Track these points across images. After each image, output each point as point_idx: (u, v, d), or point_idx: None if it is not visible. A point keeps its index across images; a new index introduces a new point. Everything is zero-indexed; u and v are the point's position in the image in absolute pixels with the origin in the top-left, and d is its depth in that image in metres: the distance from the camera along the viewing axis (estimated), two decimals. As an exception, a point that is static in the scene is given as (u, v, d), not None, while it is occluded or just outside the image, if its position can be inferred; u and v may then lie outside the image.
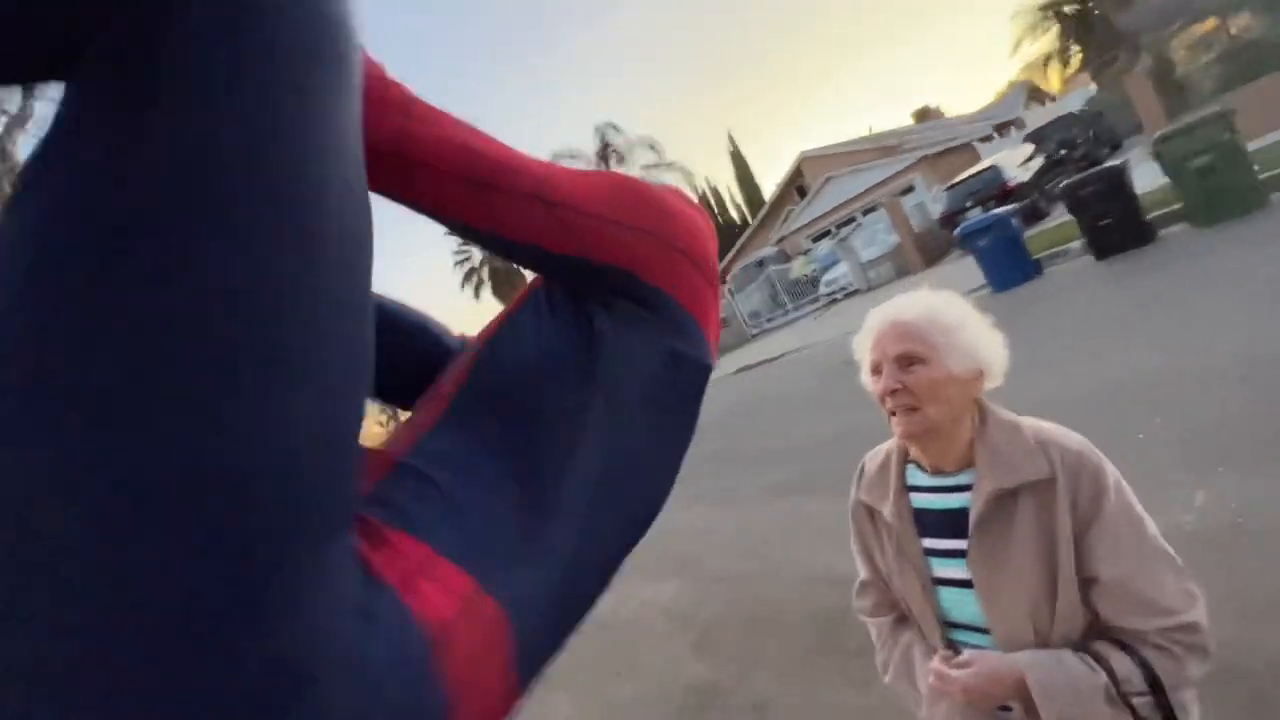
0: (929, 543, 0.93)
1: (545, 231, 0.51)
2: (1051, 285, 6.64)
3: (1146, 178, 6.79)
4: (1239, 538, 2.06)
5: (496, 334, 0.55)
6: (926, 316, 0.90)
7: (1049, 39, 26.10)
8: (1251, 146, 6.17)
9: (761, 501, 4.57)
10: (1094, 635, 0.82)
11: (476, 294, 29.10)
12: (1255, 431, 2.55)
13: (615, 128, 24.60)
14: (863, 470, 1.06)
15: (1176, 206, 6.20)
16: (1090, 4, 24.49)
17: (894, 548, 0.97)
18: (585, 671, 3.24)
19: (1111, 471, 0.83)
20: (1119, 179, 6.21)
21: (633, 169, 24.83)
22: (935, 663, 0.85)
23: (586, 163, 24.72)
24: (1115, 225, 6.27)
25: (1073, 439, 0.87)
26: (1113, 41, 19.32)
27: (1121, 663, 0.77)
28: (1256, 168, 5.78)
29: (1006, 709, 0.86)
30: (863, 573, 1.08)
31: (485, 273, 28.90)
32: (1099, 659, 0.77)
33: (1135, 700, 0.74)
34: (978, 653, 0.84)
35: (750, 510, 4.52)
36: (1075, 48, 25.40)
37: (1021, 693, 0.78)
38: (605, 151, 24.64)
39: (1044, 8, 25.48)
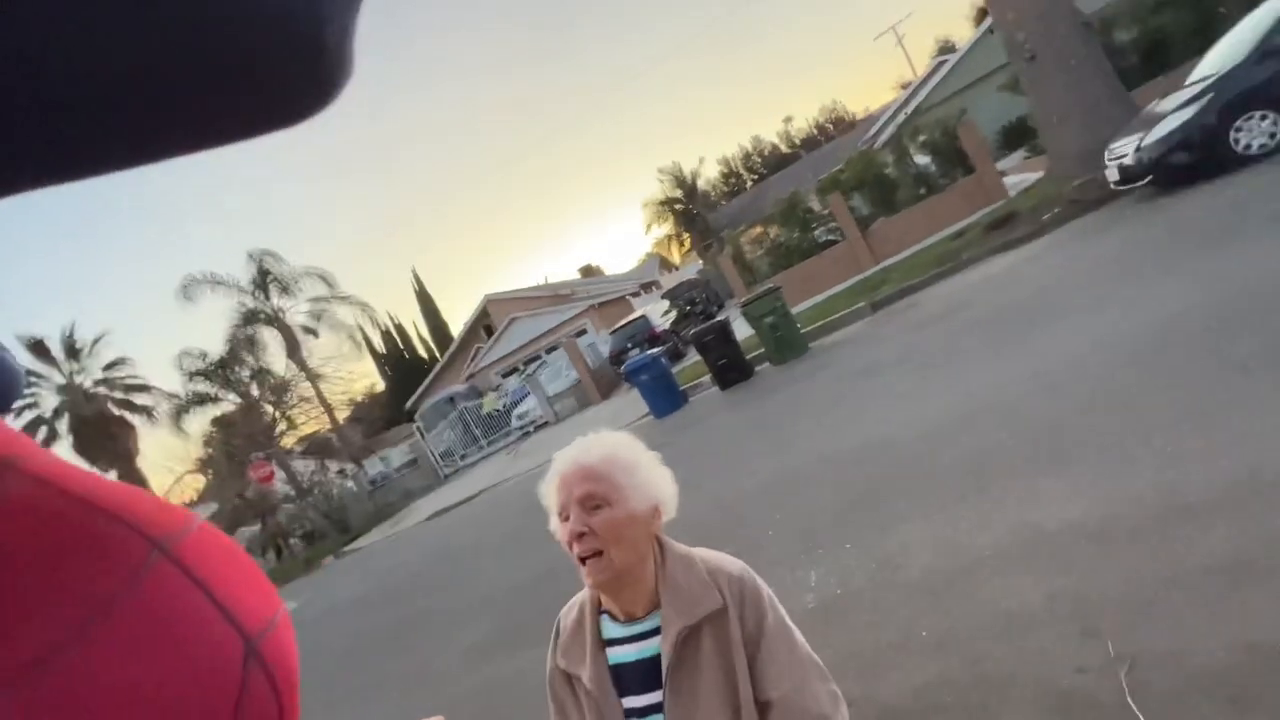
0: (629, 703, 0.92)
1: None
2: (695, 411, 8.16)
3: (743, 329, 9.22)
4: (841, 605, 2.63)
5: None
6: (608, 459, 0.94)
7: (668, 225, 35.27)
8: (796, 309, 9.05)
9: (464, 670, 4.03)
10: None
11: (49, 443, 20.76)
12: (832, 518, 3.41)
13: (275, 255, 21.86)
14: (558, 631, 1.02)
15: (761, 350, 8.51)
16: (691, 206, 34.01)
17: (594, 712, 0.93)
18: None
19: (765, 590, 0.96)
20: (725, 330, 8.26)
21: (298, 300, 22.20)
22: None
23: (238, 292, 21.19)
24: (729, 364, 8.24)
25: (734, 565, 0.97)
26: (708, 232, 26.76)
27: None
28: (800, 325, 8.42)
29: None
30: None
31: (64, 423, 21.08)
32: None
33: None
34: None
35: (453, 683, 3.92)
36: (685, 234, 34.90)
37: None
38: (264, 280, 21.58)
39: (662, 204, 34.37)
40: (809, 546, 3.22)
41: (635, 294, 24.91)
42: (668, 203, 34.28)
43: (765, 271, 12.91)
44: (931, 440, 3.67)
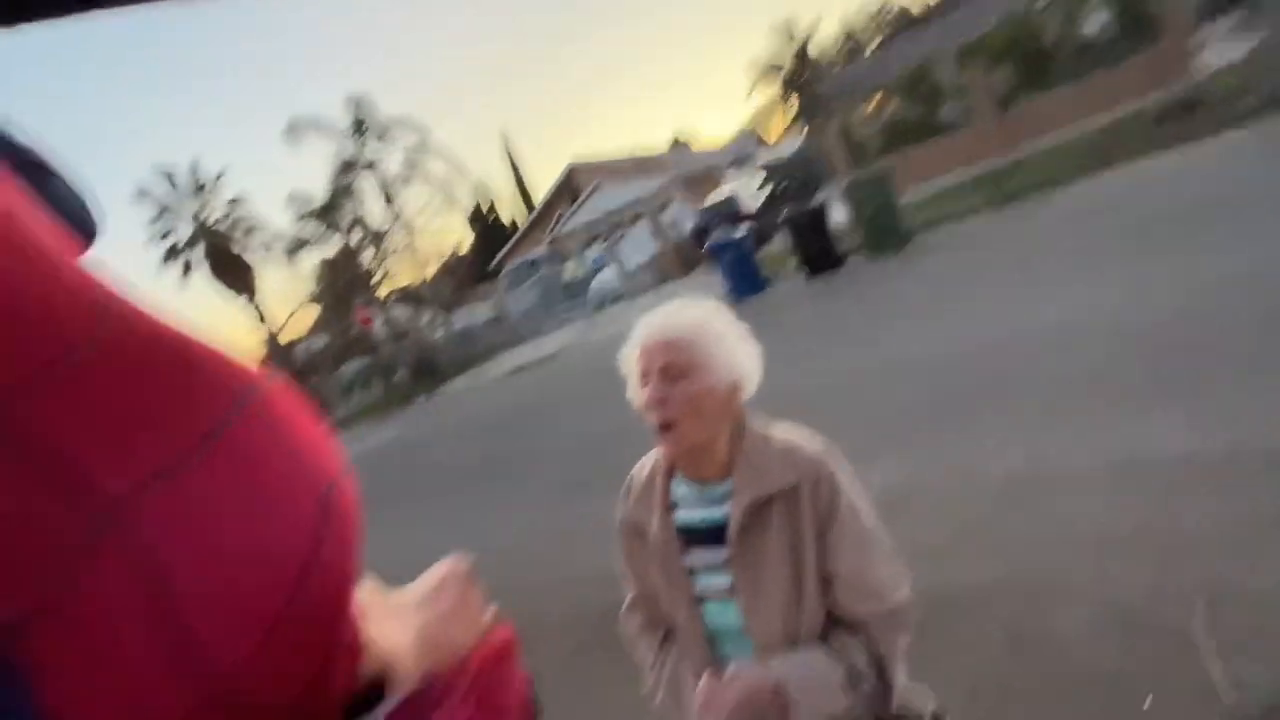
0: (693, 558, 0.97)
1: None
2: (775, 298, 7.94)
3: (839, 215, 8.59)
4: (905, 501, 2.66)
5: None
6: (692, 328, 0.92)
7: (773, 91, 31.89)
8: (905, 198, 8.27)
9: (535, 506, 4.51)
10: (830, 625, 0.93)
11: (186, 272, 23.41)
12: (914, 416, 3.34)
13: (371, 103, 22.05)
14: (630, 487, 1.06)
15: (857, 240, 7.95)
16: (801, 72, 30.45)
17: (660, 565, 0.98)
18: None
19: (844, 474, 0.95)
20: (821, 215, 7.72)
21: (393, 150, 22.56)
22: (702, 683, 0.87)
23: (338, 137, 21.74)
24: (820, 252, 7.80)
25: (813, 446, 0.96)
26: (815, 105, 24.15)
27: (856, 651, 0.88)
28: (904, 216, 7.73)
29: None
30: (631, 590, 1.08)
31: (199, 253, 23.45)
32: (839, 651, 0.87)
33: (864, 685, 0.86)
34: (737, 668, 0.89)
35: (524, 515, 4.42)
36: (790, 103, 31.54)
37: (779, 697, 0.84)
38: (361, 127, 21.96)
39: (769, 67, 30.92)
40: (881, 443, 3.21)
41: (726, 170, 23.46)
42: (775, 67, 30.86)
43: (876, 152, 11.69)
44: (1039, 352, 3.41)
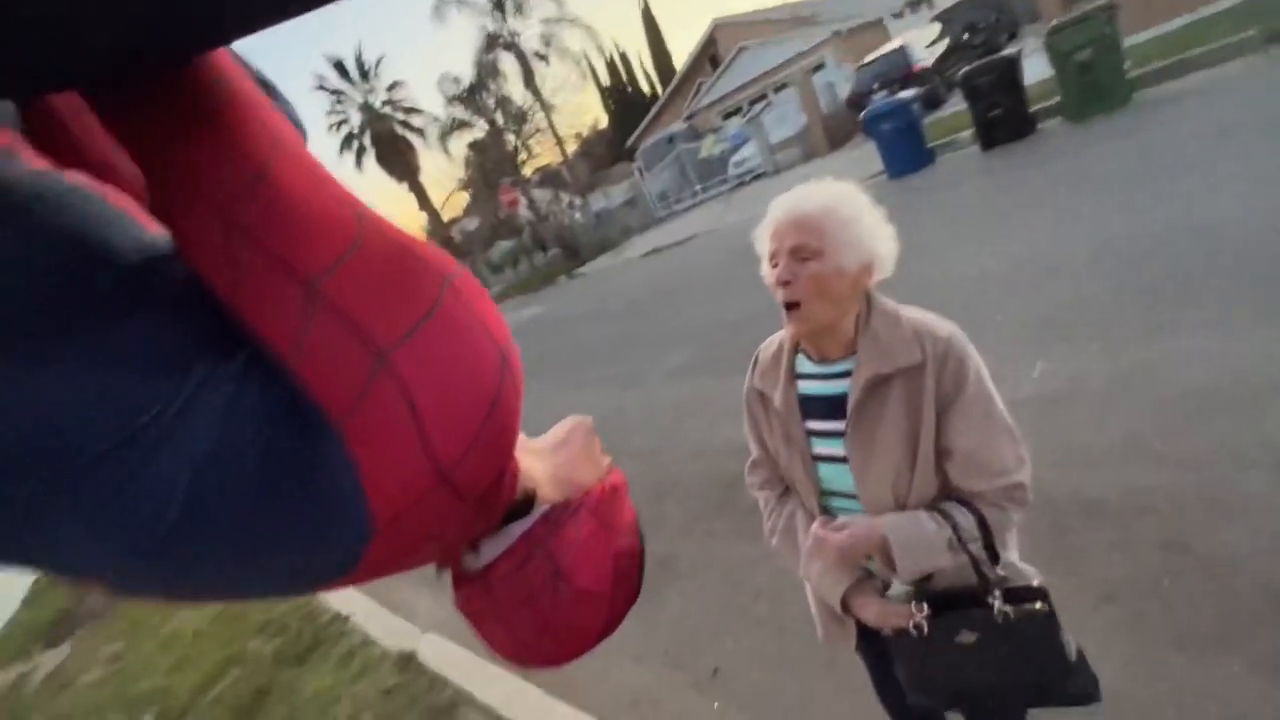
0: (812, 425, 1.04)
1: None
2: (942, 174, 7.00)
3: (1035, 69, 7.08)
4: (1065, 401, 2.46)
5: None
6: (824, 210, 0.92)
7: None
8: (1128, 42, 6.55)
9: (667, 382, 4.79)
10: (942, 496, 0.97)
11: (359, 163, 25.97)
12: (1086, 311, 2.96)
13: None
14: (756, 360, 1.13)
15: (1057, 99, 6.57)
16: None
17: (781, 430, 1.07)
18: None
19: (973, 357, 0.94)
20: (1011, 70, 6.41)
21: (531, 20, 22.08)
22: (814, 527, 0.97)
23: (479, 11, 21.63)
24: (1003, 117, 6.58)
25: (944, 328, 0.95)
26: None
27: (963, 517, 0.93)
28: (1127, 65, 6.18)
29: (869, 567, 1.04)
30: (754, 452, 1.19)
31: (367, 139, 25.65)
32: (946, 515, 0.93)
33: (970, 546, 0.91)
34: (848, 518, 0.97)
35: (657, 391, 4.73)
36: None
37: (883, 550, 0.92)
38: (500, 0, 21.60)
39: None
40: (1043, 338, 2.91)
41: (898, 14, 19.83)
42: None
43: (1100, -20, 9.17)
44: (1267, 241, 2.78)
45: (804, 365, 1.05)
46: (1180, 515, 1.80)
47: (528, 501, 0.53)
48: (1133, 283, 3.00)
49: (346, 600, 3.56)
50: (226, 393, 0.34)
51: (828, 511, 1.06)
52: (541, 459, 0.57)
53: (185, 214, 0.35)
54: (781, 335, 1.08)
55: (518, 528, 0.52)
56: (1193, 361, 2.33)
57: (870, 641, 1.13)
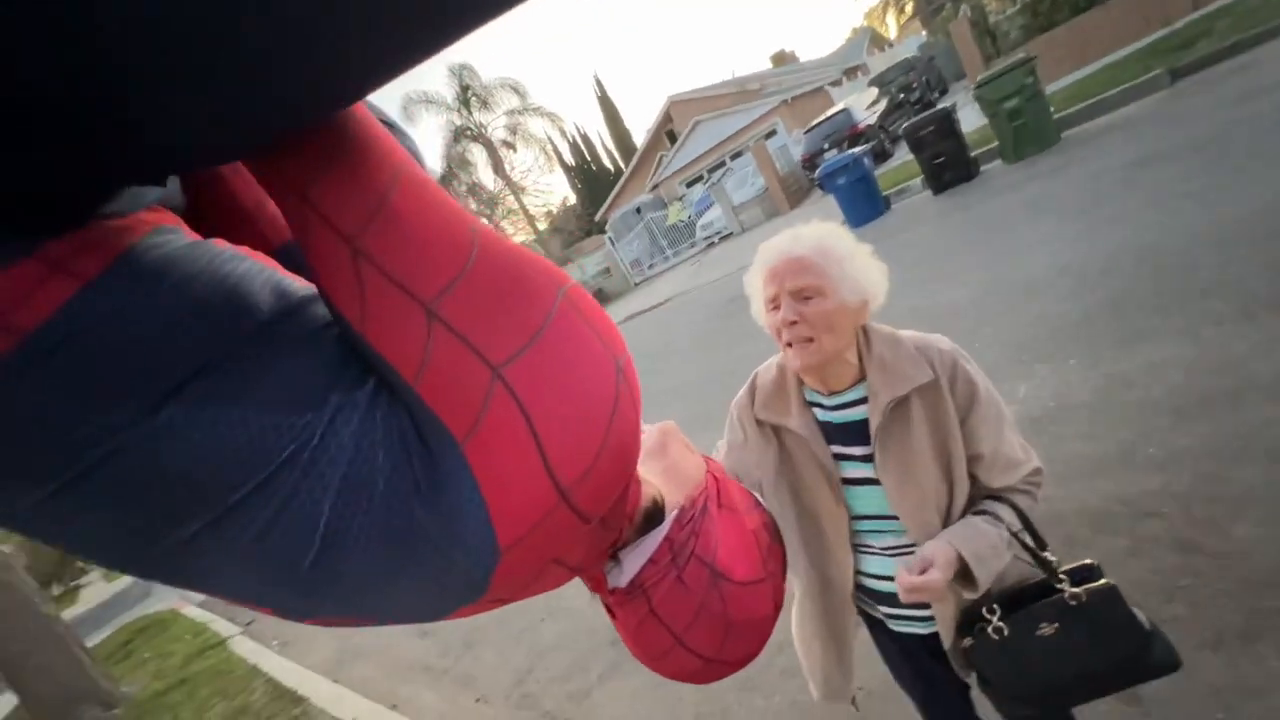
0: (835, 449, 1.03)
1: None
2: (899, 219, 7.38)
3: (969, 119, 7.65)
4: (1052, 418, 2.52)
5: None
6: (820, 250, 0.96)
7: None
8: (1050, 88, 7.16)
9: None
10: (976, 497, 1.00)
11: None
12: (1057, 331, 3.09)
13: (472, 69, 22.87)
14: (755, 385, 1.12)
15: (993, 144, 7.09)
16: (918, -46, 26.71)
17: (804, 456, 1.04)
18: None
19: (973, 363, 1.00)
20: (948, 121, 6.94)
21: (496, 114, 23.36)
22: (903, 577, 0.92)
23: (445, 108, 22.87)
24: (947, 163, 7.07)
25: (943, 342, 1.01)
26: (938, -9, 21.18)
27: (1005, 512, 0.96)
28: (1052, 109, 6.73)
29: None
30: (723, 458, 1.16)
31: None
32: (993, 516, 0.94)
33: (1021, 537, 0.94)
34: (923, 553, 0.93)
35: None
36: None
37: (959, 567, 0.92)
38: (465, 95, 22.92)
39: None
40: (1022, 360, 3.02)
41: (836, 83, 21.48)
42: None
43: (1016, 39, 10.13)
44: (1219, 250, 2.97)
45: (812, 396, 1.05)
46: (1186, 515, 1.83)
47: (658, 509, 0.52)
48: (1096, 301, 3.15)
49: (345, 705, 3.34)
50: (356, 421, 0.35)
51: (856, 538, 1.06)
52: (650, 466, 0.56)
53: (319, 247, 0.36)
54: (779, 361, 1.09)
55: (654, 536, 0.51)
56: (1168, 368, 2.43)
57: (929, 683, 1.11)
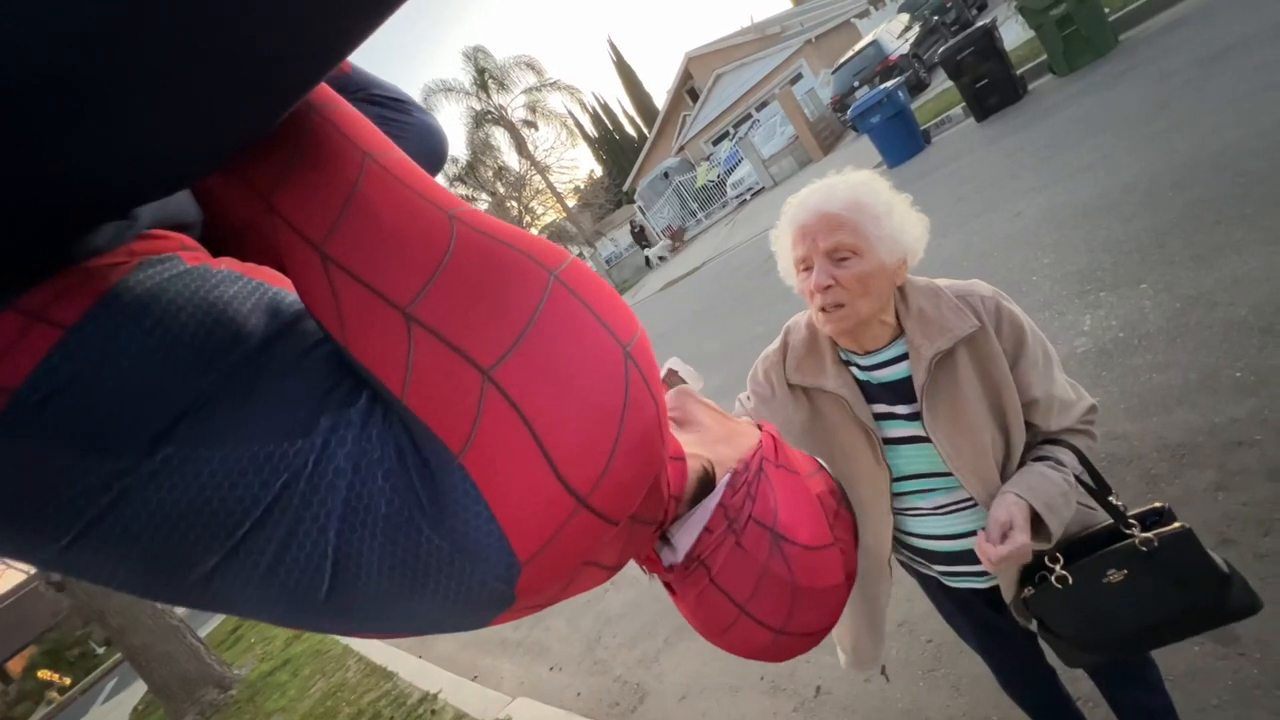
0: (877, 409, 0.97)
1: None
2: (942, 153, 6.96)
3: (1012, 34, 7.07)
4: (1123, 348, 2.36)
5: None
6: (855, 205, 0.87)
7: None
8: (1101, -10, 6.51)
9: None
10: (1031, 443, 0.95)
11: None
12: (1124, 255, 2.86)
13: (485, 52, 22.65)
14: (786, 343, 1.06)
15: (1041, 59, 6.54)
16: None
17: (846, 415, 0.98)
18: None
19: (1016, 306, 0.93)
20: (989, 39, 6.42)
21: (514, 94, 23.19)
22: (984, 548, 0.85)
23: (464, 94, 22.85)
24: (991, 85, 6.56)
25: (984, 288, 0.94)
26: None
27: (1066, 456, 0.91)
28: (1107, 10, 6.13)
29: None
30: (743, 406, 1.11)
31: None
32: (1055, 461, 0.89)
33: (1085, 480, 0.91)
34: (996, 515, 0.87)
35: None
36: None
37: (1029, 519, 0.86)
38: (482, 79, 22.80)
39: None
40: (1085, 289, 2.82)
41: (863, 14, 20.18)
42: None
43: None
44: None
45: (846, 355, 1.00)
46: (1279, 440, 1.69)
47: (709, 479, 0.48)
48: (1169, 217, 2.90)
49: (431, 678, 3.55)
50: (350, 442, 0.33)
51: (898, 500, 1.01)
52: (687, 438, 0.52)
53: (292, 258, 0.34)
54: (806, 318, 1.03)
55: (704, 508, 0.47)
56: (1254, 282, 2.22)
57: (991, 634, 1.07)
